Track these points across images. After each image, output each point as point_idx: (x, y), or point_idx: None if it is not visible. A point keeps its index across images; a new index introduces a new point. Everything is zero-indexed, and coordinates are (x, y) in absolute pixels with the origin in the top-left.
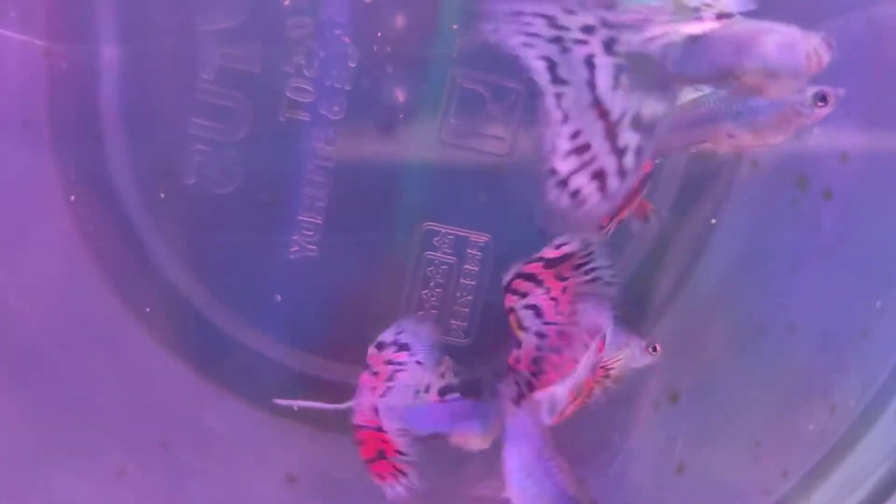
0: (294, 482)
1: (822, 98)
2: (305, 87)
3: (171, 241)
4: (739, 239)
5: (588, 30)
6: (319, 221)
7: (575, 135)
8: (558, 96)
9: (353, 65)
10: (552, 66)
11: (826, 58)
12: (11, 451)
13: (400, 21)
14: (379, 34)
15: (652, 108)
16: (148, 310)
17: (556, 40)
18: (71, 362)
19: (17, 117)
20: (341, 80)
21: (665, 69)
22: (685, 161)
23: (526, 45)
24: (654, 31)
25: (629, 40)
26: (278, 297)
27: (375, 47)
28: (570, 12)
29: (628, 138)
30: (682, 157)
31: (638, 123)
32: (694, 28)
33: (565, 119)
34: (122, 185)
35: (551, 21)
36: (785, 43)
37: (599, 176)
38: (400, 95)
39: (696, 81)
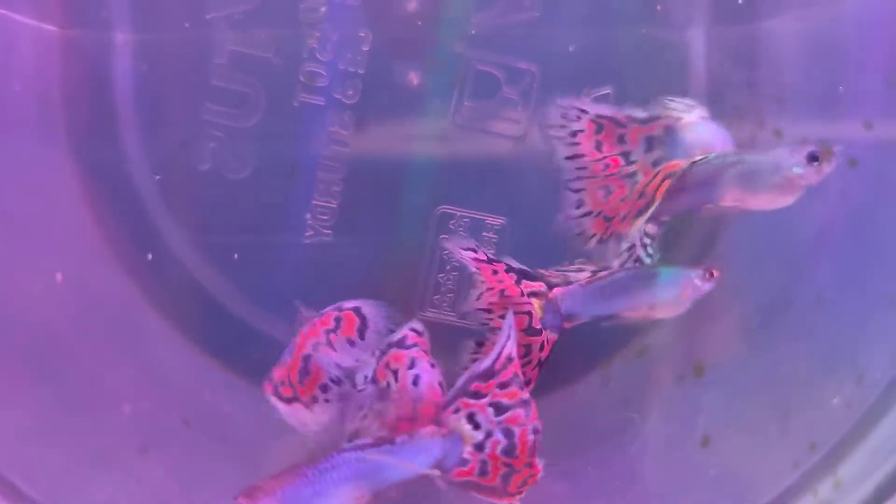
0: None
1: (814, 157)
2: (319, 71)
3: (186, 227)
4: (763, 210)
5: None
6: (335, 205)
7: None
8: None
9: (366, 48)
10: None
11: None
12: (31, 433)
13: (413, 4)
14: (392, 17)
15: None
16: (162, 295)
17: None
18: (88, 349)
19: (31, 105)
20: (355, 63)
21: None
22: None
23: None
24: None
25: None
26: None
27: (389, 30)
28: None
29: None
30: None
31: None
32: None
33: None
34: (137, 171)
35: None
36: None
37: None
38: (414, 78)
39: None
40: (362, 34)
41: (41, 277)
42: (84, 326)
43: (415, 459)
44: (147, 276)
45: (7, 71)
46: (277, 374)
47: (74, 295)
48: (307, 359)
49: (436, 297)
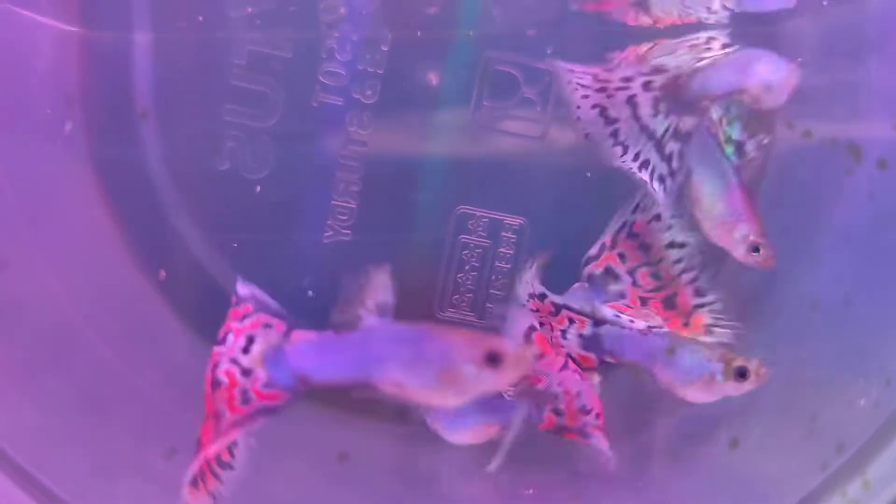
0: (345, 460)
1: (741, 373)
2: (338, 71)
3: (205, 226)
4: (791, 210)
5: (627, 79)
6: (353, 206)
7: (636, 156)
8: (614, 133)
9: (385, 48)
10: (603, 110)
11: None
12: (56, 433)
13: (432, 4)
14: (411, 17)
15: (686, 122)
16: (181, 296)
17: (602, 90)
18: (108, 347)
19: (51, 105)
20: (374, 63)
21: (689, 93)
22: None
23: (582, 96)
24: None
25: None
26: (310, 293)
27: (408, 30)
28: (609, 70)
29: (672, 146)
30: None
31: (678, 135)
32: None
33: (625, 148)
34: (156, 171)
35: (595, 76)
36: (774, 64)
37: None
38: (433, 78)
39: (713, 99)
40: (381, 34)
41: (60, 277)
42: (105, 327)
43: None
44: (166, 276)
45: (28, 71)
46: None
47: (94, 295)
48: None
49: (455, 296)
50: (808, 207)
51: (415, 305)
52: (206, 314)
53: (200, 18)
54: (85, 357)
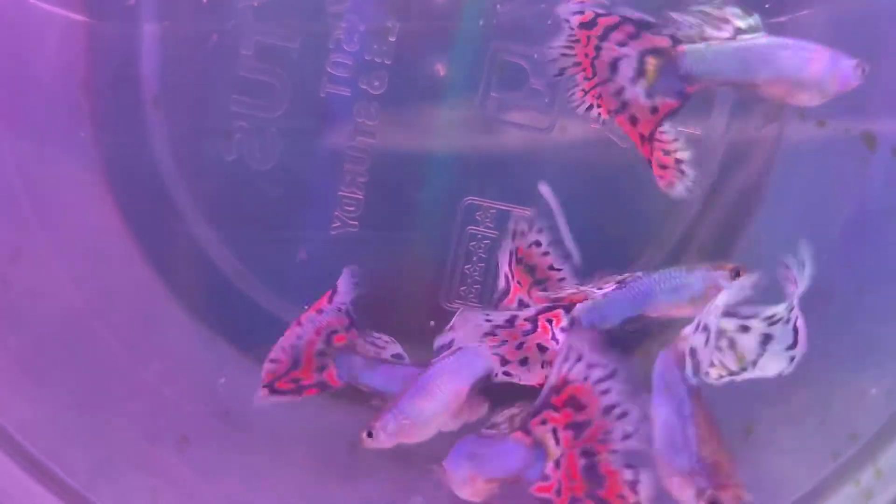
0: (356, 450)
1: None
2: (345, 62)
3: (212, 218)
4: (803, 198)
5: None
6: (361, 197)
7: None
8: None
9: (393, 39)
10: None
11: (854, 82)
12: (69, 424)
13: None
14: (419, 8)
15: None
16: (188, 288)
17: None
18: (116, 338)
19: (58, 94)
20: (381, 54)
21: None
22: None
23: None
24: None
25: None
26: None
27: (416, 21)
28: None
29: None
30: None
31: None
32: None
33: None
34: (162, 162)
35: None
36: (803, 58)
37: None
38: (441, 69)
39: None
40: (389, 25)
41: (68, 268)
42: (112, 318)
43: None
44: (172, 267)
45: (34, 61)
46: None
47: (102, 286)
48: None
49: (462, 288)
50: (822, 196)
51: (421, 298)
52: (213, 305)
53: (208, 9)
54: (93, 348)
